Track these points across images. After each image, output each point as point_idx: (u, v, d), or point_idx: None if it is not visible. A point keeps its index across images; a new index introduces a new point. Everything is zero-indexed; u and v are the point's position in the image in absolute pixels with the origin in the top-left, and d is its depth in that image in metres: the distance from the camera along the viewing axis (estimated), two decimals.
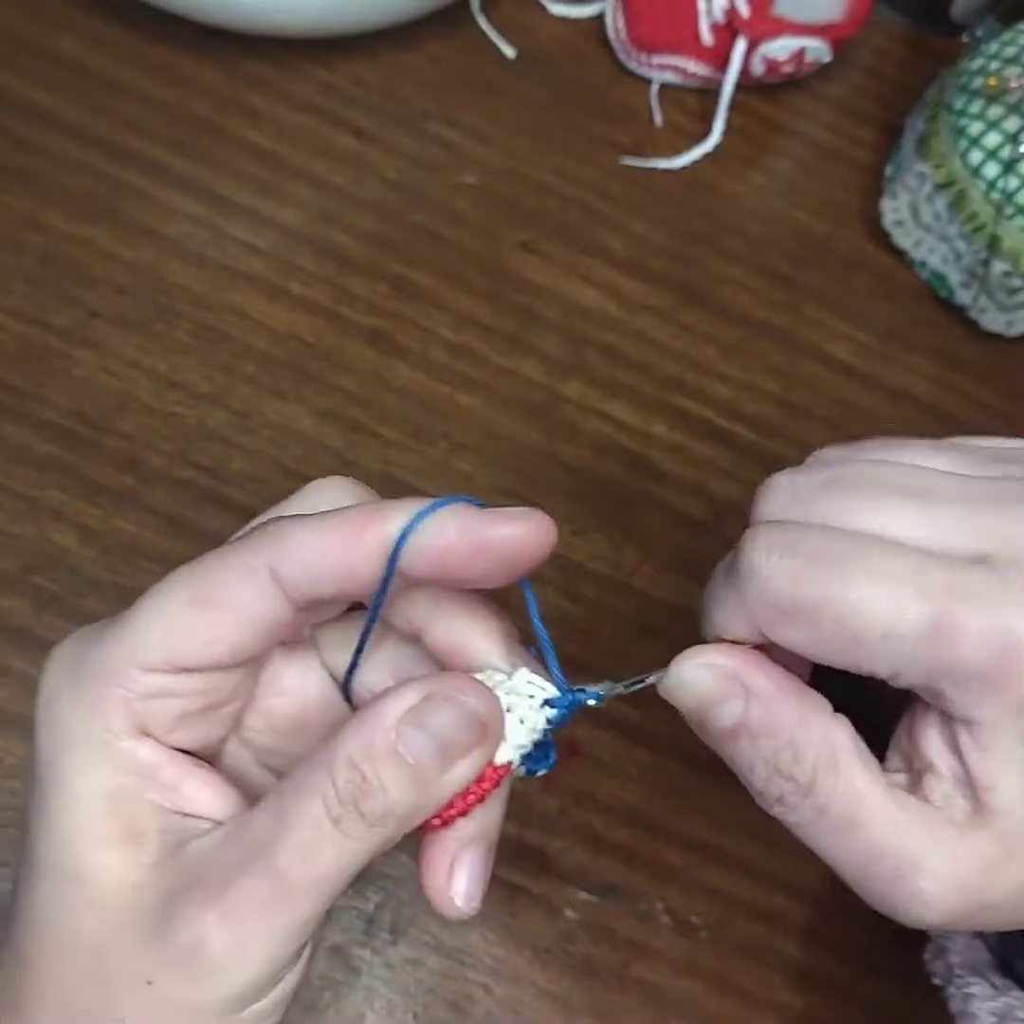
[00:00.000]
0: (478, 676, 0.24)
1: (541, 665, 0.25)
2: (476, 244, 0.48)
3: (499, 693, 0.24)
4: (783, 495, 0.25)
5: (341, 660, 0.27)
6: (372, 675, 0.27)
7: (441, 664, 0.26)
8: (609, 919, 0.38)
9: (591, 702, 0.25)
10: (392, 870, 0.36)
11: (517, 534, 0.23)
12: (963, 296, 0.50)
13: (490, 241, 0.48)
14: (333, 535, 0.23)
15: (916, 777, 0.24)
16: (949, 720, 0.24)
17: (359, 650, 0.26)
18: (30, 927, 0.23)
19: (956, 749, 0.24)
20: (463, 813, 0.24)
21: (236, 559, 0.24)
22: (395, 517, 0.23)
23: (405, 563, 0.23)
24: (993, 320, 0.50)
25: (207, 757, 0.26)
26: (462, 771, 0.23)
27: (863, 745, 0.24)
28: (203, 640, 0.23)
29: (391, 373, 0.44)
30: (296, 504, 0.26)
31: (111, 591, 0.38)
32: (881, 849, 0.23)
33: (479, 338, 0.46)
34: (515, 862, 0.38)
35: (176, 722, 0.24)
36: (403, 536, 0.23)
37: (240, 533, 0.26)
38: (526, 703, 0.24)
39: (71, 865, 0.23)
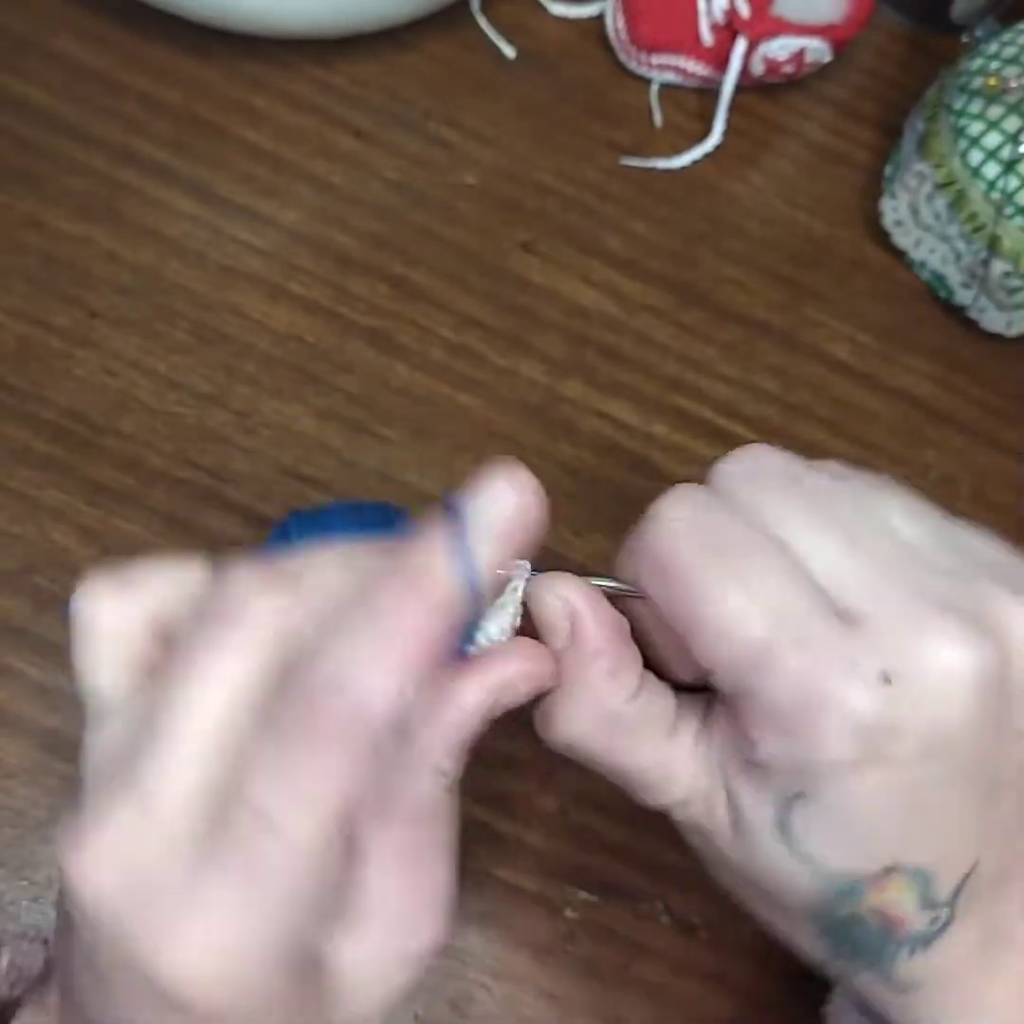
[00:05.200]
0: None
1: None
2: (476, 244, 0.48)
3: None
4: (742, 469, 0.26)
5: None
6: None
7: None
8: (609, 919, 0.38)
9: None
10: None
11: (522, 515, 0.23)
12: (963, 296, 0.50)
13: (490, 241, 0.48)
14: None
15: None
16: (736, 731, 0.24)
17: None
18: None
19: (732, 749, 0.24)
20: None
21: None
22: (439, 580, 0.21)
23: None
24: (993, 320, 0.50)
25: None
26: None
27: None
28: None
29: (391, 373, 0.44)
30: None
31: None
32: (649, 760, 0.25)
33: (479, 338, 0.46)
34: (515, 862, 0.38)
35: None
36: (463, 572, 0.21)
37: None
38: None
39: None
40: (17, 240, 0.43)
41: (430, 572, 0.21)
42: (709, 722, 0.26)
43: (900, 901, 0.23)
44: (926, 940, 0.24)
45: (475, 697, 0.23)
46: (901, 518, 0.25)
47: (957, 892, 0.24)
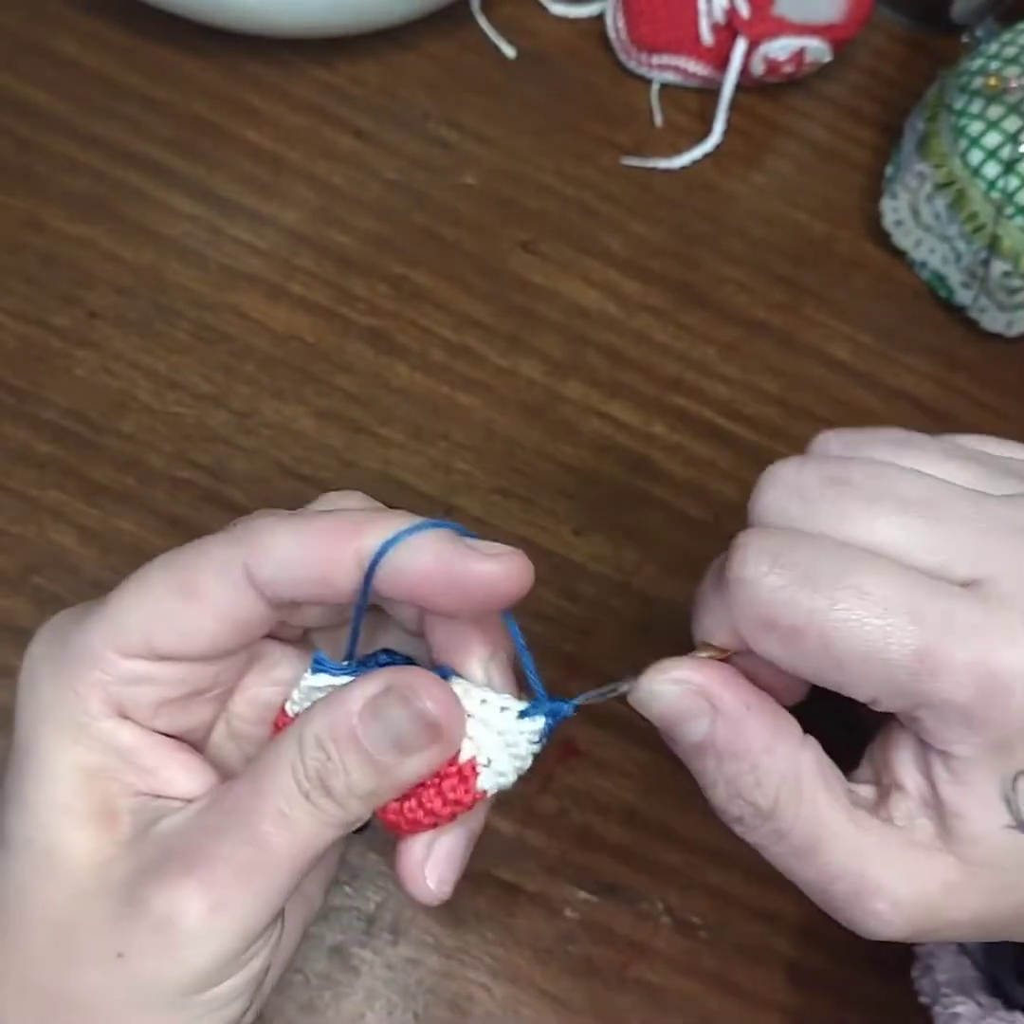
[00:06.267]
0: (455, 686, 0.24)
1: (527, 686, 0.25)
2: (476, 244, 0.48)
3: (473, 703, 0.24)
4: (785, 491, 0.24)
5: (336, 656, 0.27)
6: None
7: (441, 662, 0.26)
8: (609, 919, 0.38)
9: (569, 710, 0.25)
10: (392, 870, 0.36)
11: (493, 574, 0.23)
12: (963, 296, 0.50)
13: (490, 241, 0.48)
14: (310, 542, 0.23)
15: (883, 791, 0.24)
16: (925, 745, 0.23)
17: (350, 654, 0.26)
18: None
19: (928, 774, 0.23)
20: (432, 826, 0.24)
21: (214, 553, 0.24)
22: (374, 533, 0.23)
23: (379, 583, 0.23)
24: (993, 320, 0.50)
25: (193, 741, 0.26)
26: (416, 765, 0.23)
27: (829, 766, 0.24)
28: (181, 630, 0.24)
29: (391, 373, 0.44)
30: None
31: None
32: (840, 871, 0.23)
33: (479, 338, 0.46)
34: (515, 862, 0.38)
35: (156, 708, 0.24)
36: (378, 555, 0.22)
37: (232, 524, 0.26)
38: (501, 717, 0.24)
39: (42, 840, 0.23)
40: (17, 240, 0.43)
41: (355, 530, 0.23)
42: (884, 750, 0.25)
43: None
44: None
45: (357, 690, 0.23)
46: (945, 465, 0.24)
47: None
